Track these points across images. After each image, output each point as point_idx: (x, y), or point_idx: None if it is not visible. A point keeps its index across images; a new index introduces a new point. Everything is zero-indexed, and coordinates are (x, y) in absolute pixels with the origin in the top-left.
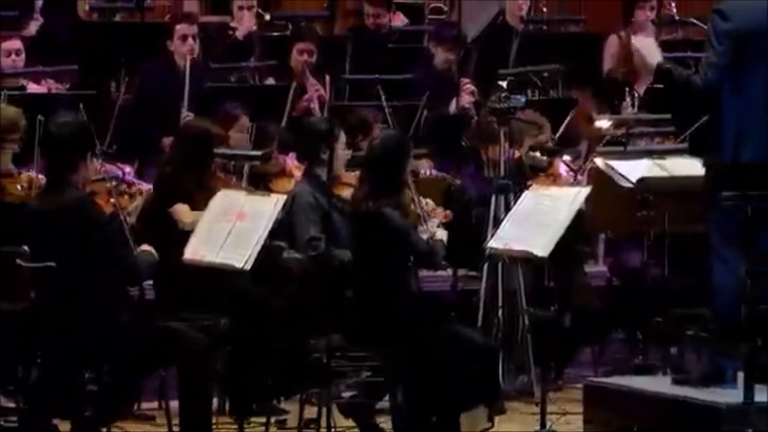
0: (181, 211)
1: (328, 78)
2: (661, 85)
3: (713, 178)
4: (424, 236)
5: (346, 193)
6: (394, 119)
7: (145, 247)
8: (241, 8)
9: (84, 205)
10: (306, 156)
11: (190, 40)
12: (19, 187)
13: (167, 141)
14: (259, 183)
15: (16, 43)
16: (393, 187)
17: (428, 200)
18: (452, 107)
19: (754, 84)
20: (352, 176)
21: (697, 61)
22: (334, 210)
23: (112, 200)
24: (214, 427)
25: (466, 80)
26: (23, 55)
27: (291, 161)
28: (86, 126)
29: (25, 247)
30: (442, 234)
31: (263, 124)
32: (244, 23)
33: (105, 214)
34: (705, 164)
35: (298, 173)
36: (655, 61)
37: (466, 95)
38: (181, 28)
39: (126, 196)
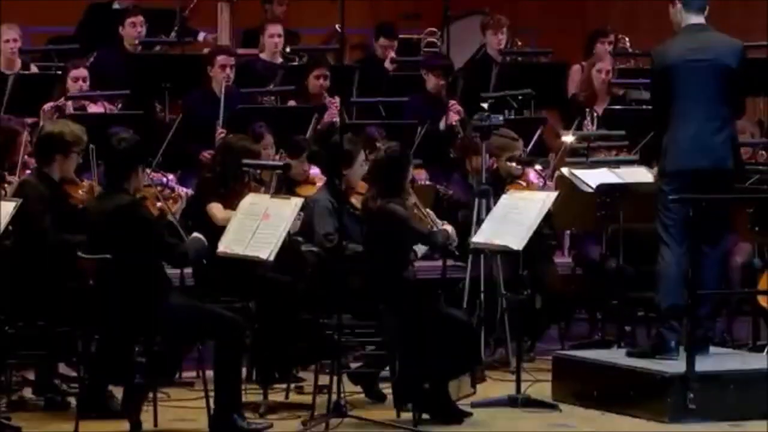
0: (215, 209)
1: (338, 101)
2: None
3: (659, 182)
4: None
5: (358, 200)
6: (394, 135)
7: (195, 234)
8: (271, 36)
9: (135, 207)
10: (328, 169)
11: (227, 69)
12: (80, 192)
13: (205, 153)
14: (287, 188)
15: (82, 72)
16: (396, 191)
17: (428, 210)
18: (442, 124)
19: (680, 108)
20: (365, 186)
21: (646, 85)
22: (347, 214)
23: (159, 203)
24: (243, 392)
25: (454, 102)
26: (88, 82)
27: (315, 171)
28: (139, 141)
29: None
30: (448, 227)
31: (295, 138)
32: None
33: (153, 214)
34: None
35: (320, 182)
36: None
37: (454, 114)
38: (221, 59)
39: (170, 200)
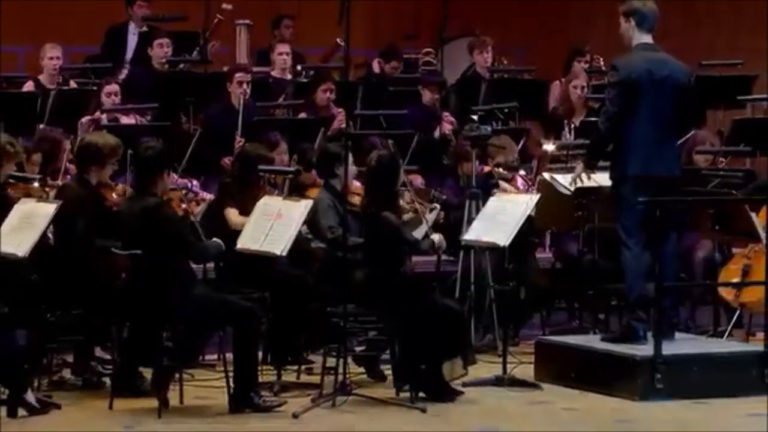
0: (232, 214)
1: (343, 113)
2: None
3: (616, 187)
4: (423, 229)
5: (356, 199)
6: (394, 144)
7: (216, 239)
8: (280, 54)
9: (161, 207)
10: (324, 172)
11: (244, 85)
12: (115, 195)
13: (225, 160)
14: (298, 191)
15: (114, 87)
16: (388, 196)
17: (422, 203)
18: (436, 133)
19: (639, 118)
20: (360, 187)
21: None
22: (346, 211)
23: (183, 205)
24: (259, 373)
25: (446, 113)
26: (119, 96)
27: None
28: (164, 148)
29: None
30: (436, 236)
31: (304, 147)
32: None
33: (178, 215)
34: (610, 177)
35: None
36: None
37: (447, 124)
38: (239, 76)
39: (193, 203)
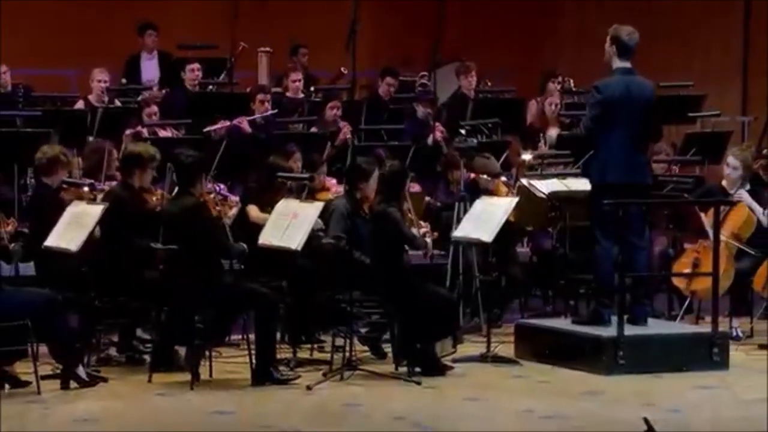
0: (252, 210)
1: (348, 126)
2: (566, 134)
3: (593, 191)
4: (418, 232)
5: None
6: (394, 153)
7: (241, 243)
8: (293, 81)
9: (198, 207)
10: (349, 181)
11: (266, 104)
12: (154, 198)
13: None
14: (310, 195)
15: (154, 108)
16: (395, 198)
17: (416, 217)
18: (429, 140)
19: (616, 134)
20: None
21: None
22: (358, 218)
23: (217, 207)
24: (278, 351)
25: (438, 124)
26: (158, 114)
27: (329, 181)
28: (202, 156)
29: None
30: (429, 238)
31: (312, 156)
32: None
33: (213, 215)
34: (591, 182)
35: (334, 189)
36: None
37: (438, 132)
38: (260, 96)
39: (226, 206)
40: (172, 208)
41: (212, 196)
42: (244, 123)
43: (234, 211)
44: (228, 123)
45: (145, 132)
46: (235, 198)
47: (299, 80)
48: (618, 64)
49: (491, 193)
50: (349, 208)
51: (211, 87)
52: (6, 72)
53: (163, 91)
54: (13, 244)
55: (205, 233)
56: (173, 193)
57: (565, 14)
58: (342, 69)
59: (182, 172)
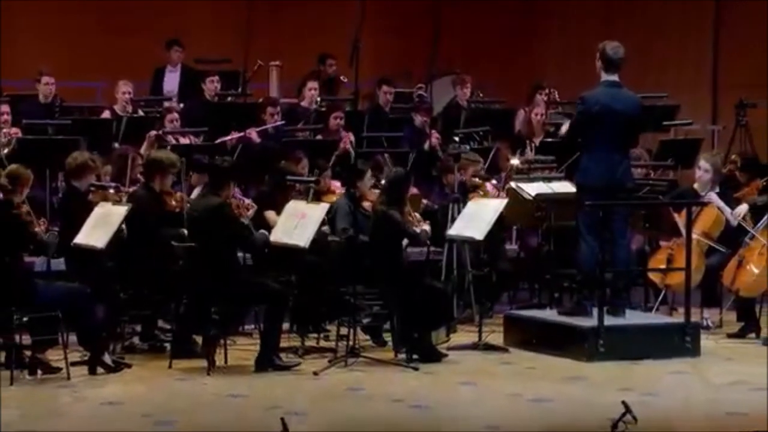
0: (271, 215)
1: (350, 134)
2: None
3: (578, 192)
4: (418, 230)
5: (368, 204)
6: (393, 159)
7: (262, 230)
8: (310, 89)
9: (222, 207)
10: (348, 182)
11: (275, 116)
12: (174, 201)
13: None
14: (316, 197)
15: (175, 116)
16: (399, 200)
17: (416, 213)
18: (426, 145)
19: (598, 141)
20: (373, 194)
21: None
22: (359, 214)
23: (238, 210)
24: (287, 339)
25: (434, 131)
26: (179, 122)
27: (334, 184)
28: (236, 163)
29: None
30: (427, 227)
31: (318, 161)
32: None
33: (236, 214)
34: (575, 184)
35: (338, 191)
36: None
37: (434, 139)
38: (270, 110)
39: (245, 208)
40: (195, 207)
41: (233, 199)
42: (252, 134)
43: (250, 212)
44: (238, 134)
45: (170, 137)
46: (249, 201)
47: (315, 89)
48: (604, 77)
49: (476, 188)
50: (350, 204)
51: (230, 98)
52: (50, 84)
53: (180, 105)
54: (48, 233)
55: (230, 230)
56: (197, 194)
57: (550, 33)
58: (342, 78)
59: (216, 175)
